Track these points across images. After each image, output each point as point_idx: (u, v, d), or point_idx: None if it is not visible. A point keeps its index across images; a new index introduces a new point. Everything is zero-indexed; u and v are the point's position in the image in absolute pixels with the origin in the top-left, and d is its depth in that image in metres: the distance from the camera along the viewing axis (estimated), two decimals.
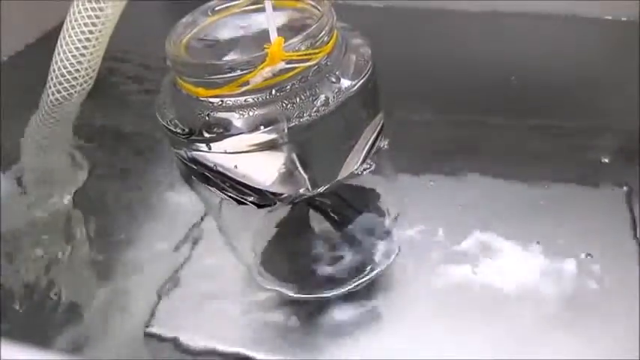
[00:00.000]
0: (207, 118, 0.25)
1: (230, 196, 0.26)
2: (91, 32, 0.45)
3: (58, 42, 0.46)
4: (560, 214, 0.34)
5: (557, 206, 0.35)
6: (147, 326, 0.32)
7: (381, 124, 0.28)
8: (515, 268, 0.32)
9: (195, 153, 0.25)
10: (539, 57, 0.48)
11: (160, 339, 0.31)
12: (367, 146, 0.27)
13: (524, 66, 0.47)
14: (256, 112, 0.24)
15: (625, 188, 0.35)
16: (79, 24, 0.45)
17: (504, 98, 0.44)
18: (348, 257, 0.32)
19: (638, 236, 0.32)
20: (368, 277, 0.32)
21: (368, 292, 0.32)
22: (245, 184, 0.26)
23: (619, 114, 0.41)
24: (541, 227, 0.34)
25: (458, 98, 0.45)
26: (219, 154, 0.25)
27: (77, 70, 0.47)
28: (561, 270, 0.31)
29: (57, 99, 0.48)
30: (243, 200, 0.26)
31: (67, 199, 0.40)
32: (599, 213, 0.34)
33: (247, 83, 0.24)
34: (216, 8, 0.28)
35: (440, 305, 0.31)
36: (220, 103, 0.24)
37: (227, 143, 0.24)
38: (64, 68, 0.47)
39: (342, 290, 0.31)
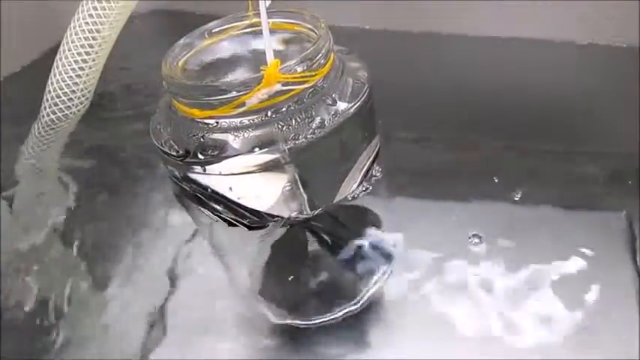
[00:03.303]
0: (202, 139, 0.24)
1: (222, 218, 0.26)
2: (87, 53, 0.45)
3: (55, 62, 0.46)
4: (562, 237, 0.34)
5: (560, 228, 0.35)
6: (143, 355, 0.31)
7: (377, 148, 0.28)
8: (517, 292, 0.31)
9: (189, 174, 0.25)
10: (538, 83, 0.48)
11: None
12: (364, 169, 0.27)
13: (523, 90, 0.47)
14: (252, 134, 0.24)
15: (624, 212, 0.35)
16: (76, 45, 0.45)
17: (504, 123, 0.44)
18: (343, 280, 0.31)
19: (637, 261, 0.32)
20: (363, 301, 0.31)
21: (361, 316, 0.31)
22: (241, 205, 0.26)
23: (619, 139, 0.41)
24: (540, 250, 0.33)
25: (457, 122, 0.45)
26: (214, 176, 0.25)
27: (73, 92, 0.47)
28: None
29: (52, 120, 0.48)
30: (235, 222, 0.26)
31: (53, 223, 0.40)
32: (599, 237, 0.34)
33: (243, 105, 0.24)
34: (213, 31, 0.28)
35: (436, 331, 0.30)
36: (216, 124, 0.24)
37: (222, 165, 0.24)
38: (60, 89, 0.46)
39: (336, 315, 0.31)
